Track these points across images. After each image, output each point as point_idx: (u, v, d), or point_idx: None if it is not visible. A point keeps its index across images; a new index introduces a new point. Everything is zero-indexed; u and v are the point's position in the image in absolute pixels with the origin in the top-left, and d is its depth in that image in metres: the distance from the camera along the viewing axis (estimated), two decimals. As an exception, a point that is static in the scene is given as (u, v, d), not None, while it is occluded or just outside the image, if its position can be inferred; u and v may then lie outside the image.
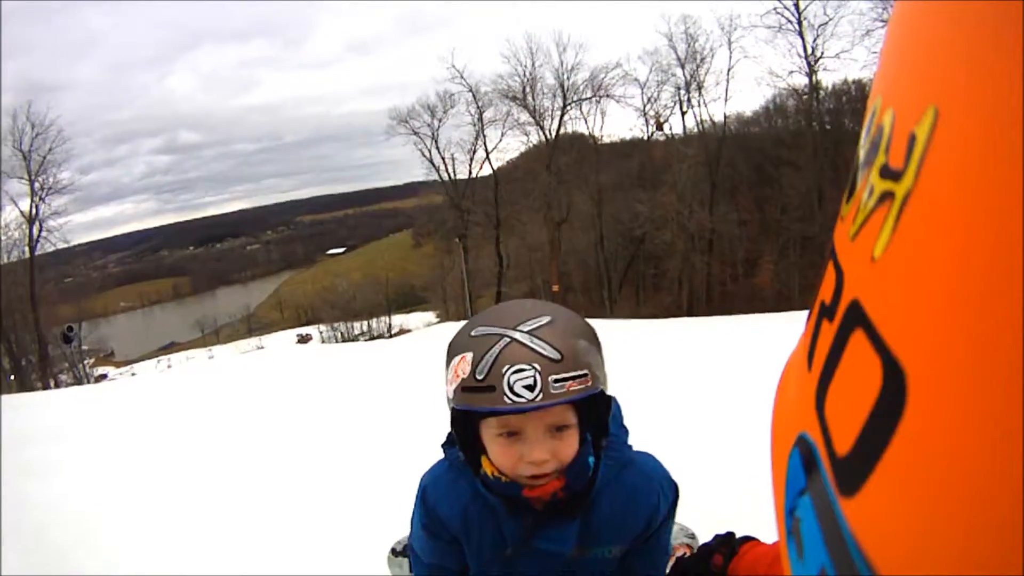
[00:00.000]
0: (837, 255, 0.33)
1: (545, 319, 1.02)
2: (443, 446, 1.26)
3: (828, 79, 28.21)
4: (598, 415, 1.12)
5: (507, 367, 0.97)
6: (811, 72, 27.22)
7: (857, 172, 0.32)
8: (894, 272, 0.26)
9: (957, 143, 0.23)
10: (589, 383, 1.01)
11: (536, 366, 0.97)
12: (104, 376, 31.03)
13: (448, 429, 1.19)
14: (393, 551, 2.32)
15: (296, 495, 3.15)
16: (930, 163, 0.24)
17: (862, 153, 0.32)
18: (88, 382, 25.71)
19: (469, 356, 1.00)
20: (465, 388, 1.00)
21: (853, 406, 0.27)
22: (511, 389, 0.96)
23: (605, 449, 1.14)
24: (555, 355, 0.98)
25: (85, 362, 30.89)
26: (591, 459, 1.12)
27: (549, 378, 0.97)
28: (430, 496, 1.23)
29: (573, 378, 0.99)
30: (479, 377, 0.98)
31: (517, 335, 0.99)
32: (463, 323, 1.10)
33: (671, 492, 1.22)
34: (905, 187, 0.26)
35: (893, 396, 0.24)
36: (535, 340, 0.99)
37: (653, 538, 1.21)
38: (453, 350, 1.05)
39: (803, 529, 0.32)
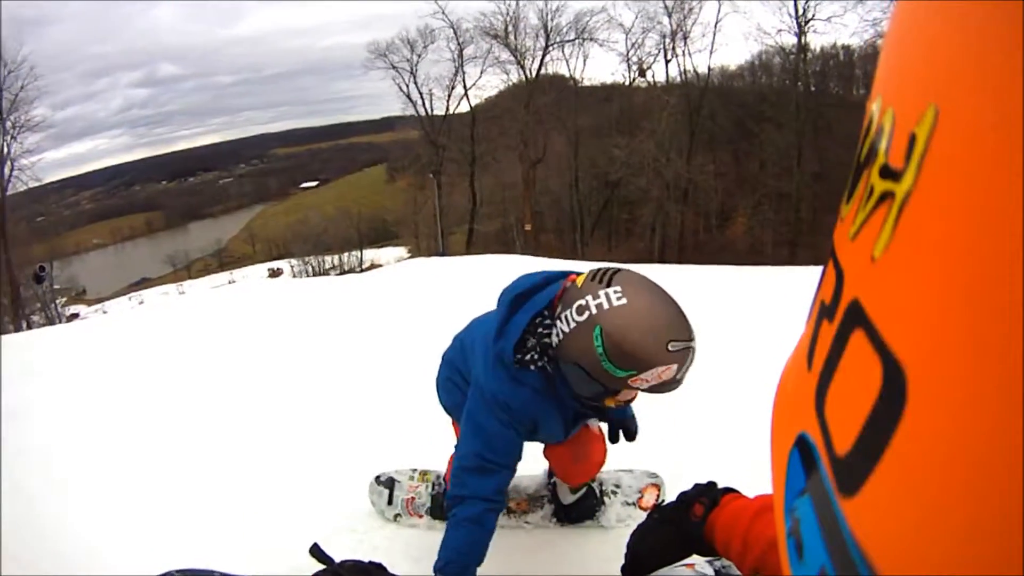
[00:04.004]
0: (837, 255, 0.33)
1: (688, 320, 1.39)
2: (513, 359, 1.56)
3: (816, 41, 27.86)
4: None
5: (689, 363, 1.38)
6: (800, 33, 26.90)
7: (857, 172, 0.32)
8: (894, 272, 0.26)
9: (957, 143, 0.23)
10: None
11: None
12: (76, 315, 30.50)
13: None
14: (377, 479, 2.39)
15: (272, 429, 3.11)
16: (930, 163, 0.24)
17: (862, 153, 0.32)
18: (60, 322, 25.31)
19: (674, 367, 1.35)
20: (665, 383, 1.38)
21: (853, 406, 0.27)
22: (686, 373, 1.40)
23: None
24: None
25: (57, 301, 30.44)
26: None
27: None
28: (521, 413, 1.61)
29: None
30: (679, 377, 1.38)
31: (695, 343, 1.37)
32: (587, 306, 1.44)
33: None
34: (905, 187, 0.25)
35: (893, 396, 0.24)
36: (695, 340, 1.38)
37: None
38: (653, 359, 1.34)
39: (803, 529, 0.32)
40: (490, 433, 1.62)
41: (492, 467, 1.63)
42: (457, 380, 1.87)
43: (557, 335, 1.47)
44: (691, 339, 1.35)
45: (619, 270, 1.44)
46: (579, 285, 1.44)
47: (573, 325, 1.41)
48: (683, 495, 1.24)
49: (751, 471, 1.84)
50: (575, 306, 1.41)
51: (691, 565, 1.45)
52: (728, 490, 1.20)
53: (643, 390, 1.41)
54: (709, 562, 1.49)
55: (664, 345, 1.33)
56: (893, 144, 0.28)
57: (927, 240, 0.24)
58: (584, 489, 2.21)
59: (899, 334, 0.25)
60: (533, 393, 1.58)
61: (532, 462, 2.27)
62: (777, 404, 0.43)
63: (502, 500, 1.67)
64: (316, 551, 1.23)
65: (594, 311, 1.38)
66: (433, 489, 2.31)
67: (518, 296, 1.59)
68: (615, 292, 1.37)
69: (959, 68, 0.23)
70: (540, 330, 1.54)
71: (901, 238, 0.26)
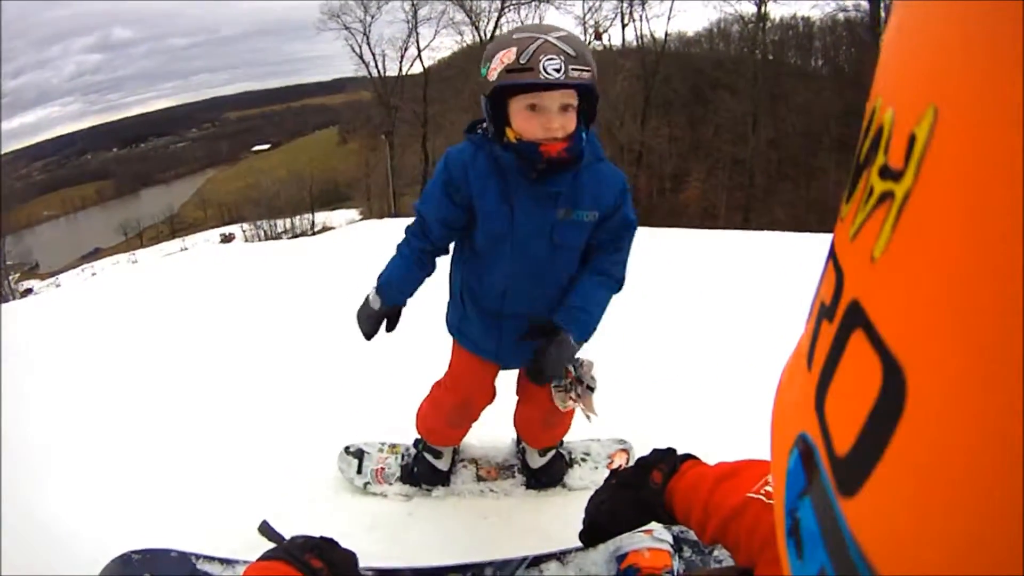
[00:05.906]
0: (837, 255, 0.33)
1: (565, 32, 1.45)
2: (465, 132, 1.67)
3: (776, 11, 28.14)
4: (590, 107, 1.56)
5: (543, 55, 1.39)
6: (760, 2, 27.04)
7: (857, 172, 0.32)
8: (894, 272, 0.26)
9: (957, 143, 0.23)
10: (591, 76, 1.44)
11: (562, 57, 1.39)
12: (29, 291, 29.69)
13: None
14: (346, 449, 2.39)
15: (229, 400, 3.02)
16: (930, 163, 0.24)
17: (862, 153, 0.32)
18: (14, 298, 24.68)
19: (513, 49, 1.41)
20: (509, 70, 1.42)
21: (853, 406, 0.27)
22: (545, 70, 1.38)
23: (587, 142, 1.57)
24: (573, 53, 1.41)
25: (9, 278, 29.65)
26: (584, 135, 1.56)
27: (569, 66, 1.39)
28: (453, 163, 1.64)
29: (583, 70, 1.42)
30: (522, 61, 1.40)
31: (549, 37, 1.41)
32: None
33: (625, 180, 1.70)
34: (905, 187, 0.25)
35: (893, 396, 0.24)
36: (561, 42, 1.41)
37: (619, 211, 1.67)
38: (495, 48, 1.46)
39: (803, 529, 0.32)
40: (425, 191, 1.75)
41: (416, 214, 1.78)
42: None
43: None
44: (545, 32, 1.44)
45: None
46: None
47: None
48: (642, 460, 1.22)
49: (715, 436, 1.92)
50: None
51: (649, 531, 1.51)
52: (687, 456, 1.17)
53: (494, 81, 1.46)
54: (667, 528, 1.53)
55: (511, 35, 1.47)
56: (893, 144, 0.27)
57: (927, 240, 0.24)
58: (552, 453, 2.21)
59: (899, 335, 0.25)
60: (468, 143, 1.67)
61: (500, 431, 2.31)
62: (777, 404, 0.42)
63: (421, 242, 1.79)
64: (265, 529, 1.24)
65: None
66: (402, 460, 2.33)
67: None
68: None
69: (959, 68, 0.23)
70: None
71: (901, 238, 0.26)
